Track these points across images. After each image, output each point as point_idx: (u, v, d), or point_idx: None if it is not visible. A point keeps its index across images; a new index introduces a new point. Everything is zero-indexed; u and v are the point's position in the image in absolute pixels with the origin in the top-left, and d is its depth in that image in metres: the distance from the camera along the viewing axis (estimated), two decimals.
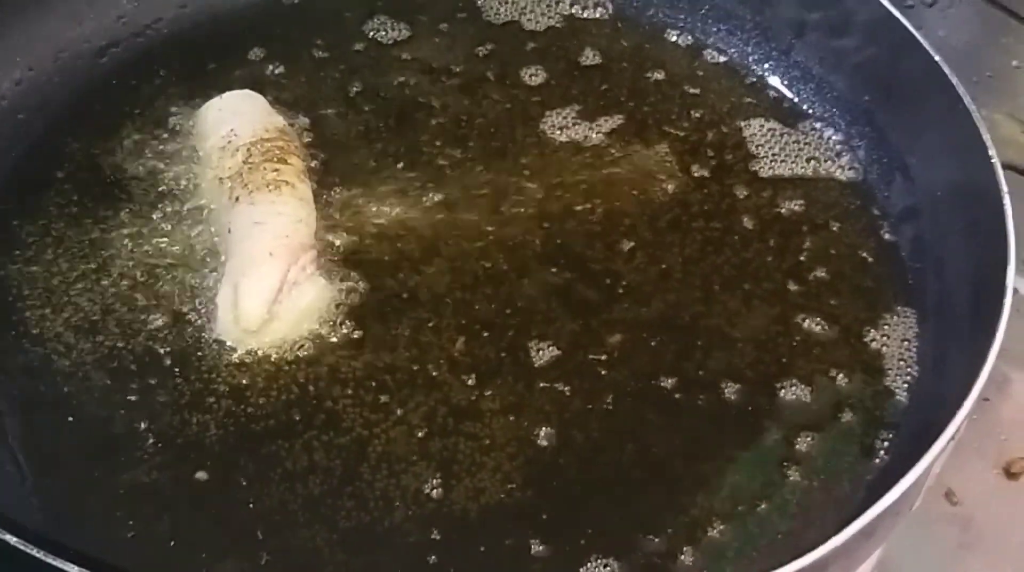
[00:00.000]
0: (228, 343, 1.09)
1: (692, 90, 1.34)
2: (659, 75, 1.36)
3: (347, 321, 1.11)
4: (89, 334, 1.10)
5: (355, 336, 1.10)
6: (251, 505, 1.00)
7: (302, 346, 1.09)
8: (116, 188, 1.21)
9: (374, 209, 1.20)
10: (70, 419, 1.05)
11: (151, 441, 1.03)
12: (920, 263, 1.19)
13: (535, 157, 1.26)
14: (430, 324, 1.11)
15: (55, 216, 1.18)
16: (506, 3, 1.41)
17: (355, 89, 1.32)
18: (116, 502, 1.00)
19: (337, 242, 1.16)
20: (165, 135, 1.25)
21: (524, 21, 1.40)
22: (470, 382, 1.08)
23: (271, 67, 1.33)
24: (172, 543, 0.98)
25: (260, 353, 1.09)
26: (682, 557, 0.99)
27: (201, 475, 1.02)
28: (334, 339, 1.10)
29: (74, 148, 1.24)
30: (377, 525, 0.99)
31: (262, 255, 1.10)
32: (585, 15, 1.42)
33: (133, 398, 1.06)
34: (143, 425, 1.04)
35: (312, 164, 1.22)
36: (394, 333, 1.11)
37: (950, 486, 1.22)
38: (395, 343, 1.10)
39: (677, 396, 1.08)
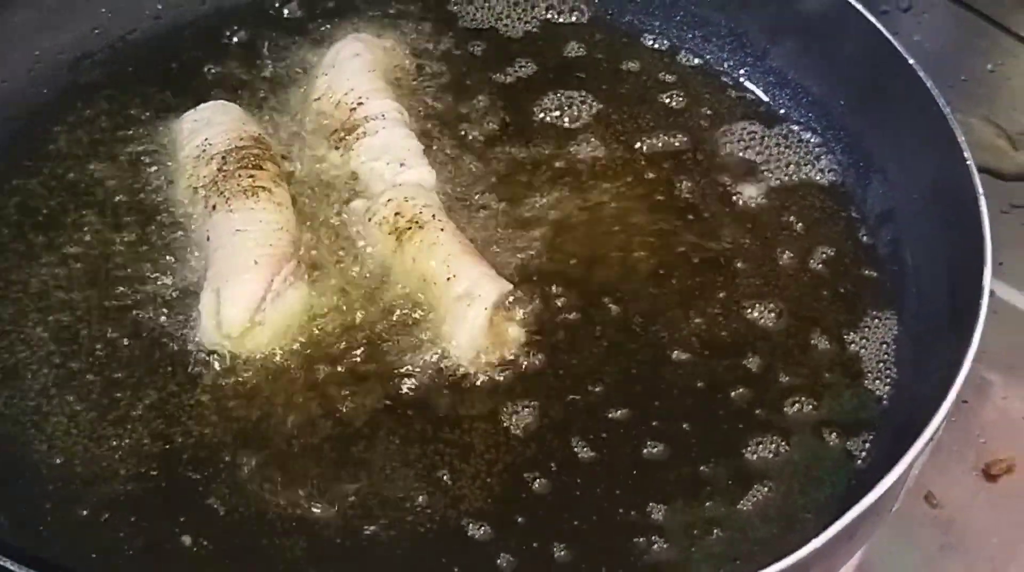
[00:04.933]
0: (209, 348, 1.09)
1: (668, 95, 1.34)
2: (634, 67, 1.36)
3: (328, 327, 1.11)
4: (61, 342, 1.09)
5: (336, 342, 1.10)
6: (229, 514, 1.00)
7: (283, 352, 1.09)
8: (90, 198, 1.20)
9: None
10: (41, 430, 1.04)
11: (127, 450, 1.03)
12: (898, 266, 1.19)
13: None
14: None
15: (29, 225, 1.18)
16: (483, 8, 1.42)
17: None
18: (90, 512, 1.00)
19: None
20: (140, 146, 1.24)
21: (501, 27, 1.40)
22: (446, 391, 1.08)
23: (249, 75, 1.32)
24: (146, 553, 0.98)
25: (241, 359, 1.08)
26: (665, 563, 0.99)
27: (177, 483, 1.01)
28: (315, 344, 1.10)
29: (48, 158, 1.23)
30: (356, 533, 0.99)
31: (246, 263, 1.10)
32: (561, 19, 1.42)
33: (108, 406, 1.05)
34: (119, 434, 1.04)
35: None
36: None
37: (930, 489, 1.22)
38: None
39: (654, 402, 1.08)
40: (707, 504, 1.02)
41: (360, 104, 1.24)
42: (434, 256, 1.11)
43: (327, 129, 1.25)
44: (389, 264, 1.14)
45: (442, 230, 1.13)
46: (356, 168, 1.21)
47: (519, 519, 1.01)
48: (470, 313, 1.08)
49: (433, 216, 1.14)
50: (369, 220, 1.16)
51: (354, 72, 1.27)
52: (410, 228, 1.13)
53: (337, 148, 1.23)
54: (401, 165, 1.19)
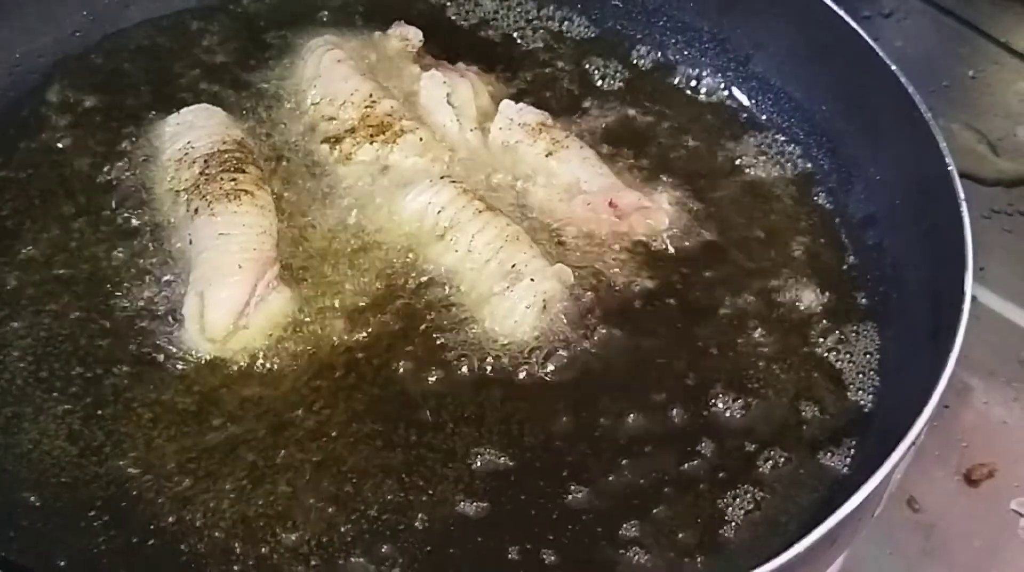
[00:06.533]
0: (192, 352, 1.08)
1: (652, 102, 1.35)
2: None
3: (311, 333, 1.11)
4: (39, 347, 1.09)
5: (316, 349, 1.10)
6: (213, 518, 0.99)
7: (266, 355, 1.09)
8: (71, 200, 1.19)
9: None
10: (25, 438, 1.03)
11: (108, 456, 1.02)
12: (880, 270, 1.20)
13: None
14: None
15: (6, 228, 1.17)
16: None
17: None
18: (69, 517, 0.99)
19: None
20: (122, 149, 1.23)
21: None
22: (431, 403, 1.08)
23: (232, 79, 1.32)
24: (132, 560, 0.97)
25: (224, 361, 1.08)
26: (649, 568, 0.99)
27: (163, 486, 1.00)
28: (297, 349, 1.10)
29: (28, 161, 1.23)
30: (342, 538, 0.99)
31: (230, 267, 1.09)
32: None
33: (88, 411, 1.05)
34: (100, 439, 1.03)
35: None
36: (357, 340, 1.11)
37: (912, 493, 1.22)
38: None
39: (639, 415, 1.08)
40: (687, 507, 1.03)
41: (374, 102, 1.25)
42: (496, 240, 1.14)
43: (337, 129, 1.25)
44: (428, 251, 1.17)
45: (504, 217, 1.17)
46: (396, 163, 1.22)
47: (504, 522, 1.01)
48: (524, 299, 1.11)
49: (489, 207, 1.17)
50: (419, 210, 1.18)
51: (345, 76, 1.28)
52: (474, 216, 1.16)
53: (371, 144, 1.23)
54: (446, 163, 1.22)
